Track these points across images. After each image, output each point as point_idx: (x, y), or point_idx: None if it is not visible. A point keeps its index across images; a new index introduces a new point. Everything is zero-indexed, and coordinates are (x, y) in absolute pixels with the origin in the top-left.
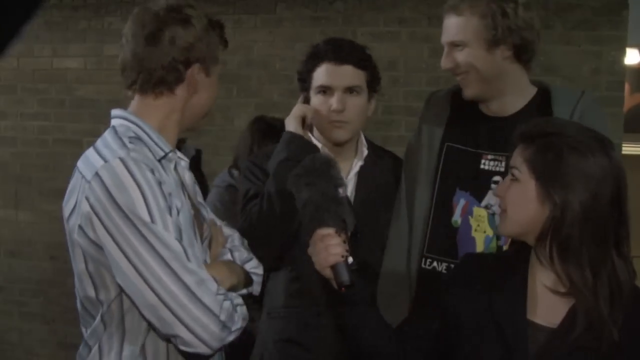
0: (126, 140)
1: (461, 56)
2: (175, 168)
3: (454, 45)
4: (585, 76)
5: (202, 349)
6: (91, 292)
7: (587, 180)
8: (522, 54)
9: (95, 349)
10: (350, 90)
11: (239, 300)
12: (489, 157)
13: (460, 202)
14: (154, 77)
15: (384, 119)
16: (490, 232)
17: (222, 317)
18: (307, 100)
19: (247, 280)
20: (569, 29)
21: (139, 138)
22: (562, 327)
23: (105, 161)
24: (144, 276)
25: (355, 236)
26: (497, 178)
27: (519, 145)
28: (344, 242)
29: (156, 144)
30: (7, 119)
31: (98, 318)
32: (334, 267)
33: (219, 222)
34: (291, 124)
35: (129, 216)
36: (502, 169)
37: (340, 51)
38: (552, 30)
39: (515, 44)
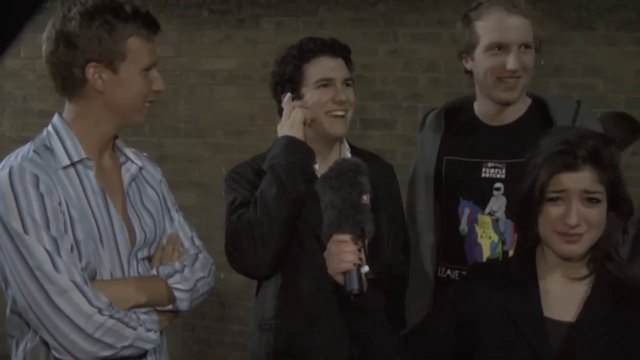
0: (32, 150)
1: (527, 58)
2: (79, 177)
3: (526, 46)
4: (629, 78)
5: (71, 358)
6: (2, 283)
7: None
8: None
9: (14, 338)
10: (347, 82)
11: (146, 318)
12: (489, 164)
13: (465, 211)
14: (58, 82)
15: None
16: (495, 238)
17: (90, 330)
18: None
19: (171, 296)
20: (612, 30)
21: (48, 148)
22: (580, 320)
23: (2, 169)
24: (16, 280)
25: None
26: (498, 185)
27: (587, 167)
28: (359, 250)
29: (67, 152)
30: None
31: (9, 308)
32: (345, 274)
33: (185, 234)
34: (292, 129)
35: (4, 224)
36: (503, 176)
37: (334, 45)
38: (595, 32)
39: (538, 51)
